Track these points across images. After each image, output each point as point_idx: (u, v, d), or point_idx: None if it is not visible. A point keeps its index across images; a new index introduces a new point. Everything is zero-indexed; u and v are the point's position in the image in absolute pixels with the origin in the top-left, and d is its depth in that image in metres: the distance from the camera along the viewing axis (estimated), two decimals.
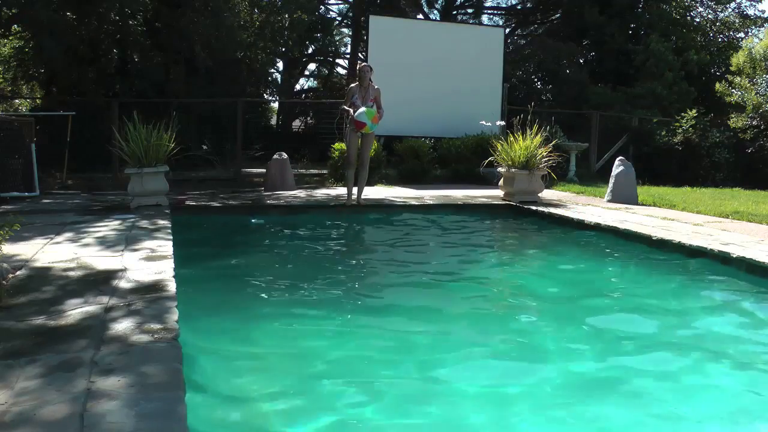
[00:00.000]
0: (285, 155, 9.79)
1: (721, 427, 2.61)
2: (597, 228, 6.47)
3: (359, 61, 9.71)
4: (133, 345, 2.58)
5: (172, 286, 3.48)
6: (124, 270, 3.91)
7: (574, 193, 9.86)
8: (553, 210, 7.50)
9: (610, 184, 8.72)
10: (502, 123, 11.03)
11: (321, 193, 9.20)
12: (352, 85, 7.88)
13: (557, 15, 21.69)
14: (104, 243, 4.87)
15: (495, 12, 24.62)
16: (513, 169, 8.19)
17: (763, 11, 36.84)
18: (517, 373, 3.11)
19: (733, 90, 15.03)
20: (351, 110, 7.55)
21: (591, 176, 12.83)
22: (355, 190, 7.98)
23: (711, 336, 3.67)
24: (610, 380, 3.03)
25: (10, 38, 13.90)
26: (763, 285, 4.50)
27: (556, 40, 18.97)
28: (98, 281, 3.65)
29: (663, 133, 14.39)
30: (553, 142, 8.67)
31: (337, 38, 25.49)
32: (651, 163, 13.58)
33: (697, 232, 5.89)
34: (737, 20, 20.52)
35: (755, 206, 8.07)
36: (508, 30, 20.05)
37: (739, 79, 14.88)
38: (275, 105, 22.70)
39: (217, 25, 12.72)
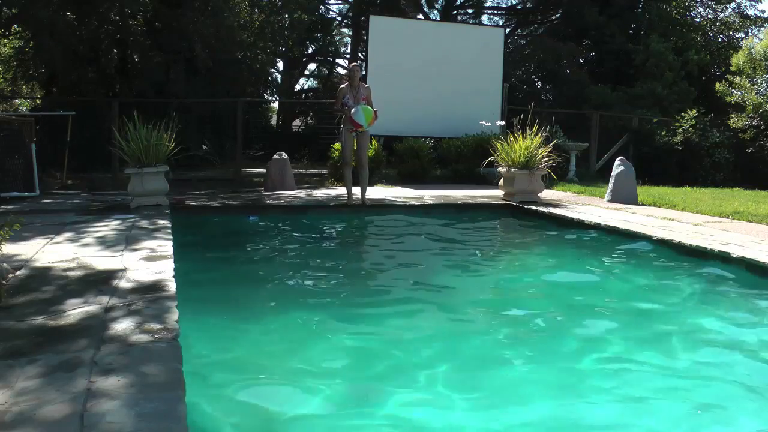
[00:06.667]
0: (285, 155, 9.79)
1: (725, 427, 2.61)
2: (597, 228, 6.47)
3: (350, 62, 9.74)
4: (133, 345, 2.58)
5: (172, 286, 3.48)
6: (124, 270, 3.91)
7: (574, 193, 9.86)
8: (553, 210, 7.50)
9: (610, 184, 8.72)
10: (502, 123, 11.02)
11: (321, 193, 9.20)
12: (342, 86, 7.88)
13: (557, 15, 21.70)
14: (104, 243, 4.87)
15: (495, 12, 24.65)
16: (513, 169, 8.19)
17: (763, 11, 36.88)
18: (516, 374, 3.11)
19: (733, 90, 15.02)
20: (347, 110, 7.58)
21: (591, 176, 12.82)
22: (355, 190, 7.98)
23: (711, 336, 3.67)
24: (609, 381, 3.03)
25: (10, 38, 13.91)
26: (763, 285, 4.49)
27: (556, 40, 18.98)
28: (98, 281, 3.65)
29: (663, 133, 14.39)
30: (553, 142, 8.67)
31: (337, 38, 25.54)
32: (651, 163, 13.57)
33: (697, 232, 5.89)
34: (737, 20, 20.53)
35: (755, 206, 8.06)
36: (508, 30, 20.05)
37: (739, 79, 14.87)
38: (275, 105, 22.73)
39: (217, 25, 12.73)
